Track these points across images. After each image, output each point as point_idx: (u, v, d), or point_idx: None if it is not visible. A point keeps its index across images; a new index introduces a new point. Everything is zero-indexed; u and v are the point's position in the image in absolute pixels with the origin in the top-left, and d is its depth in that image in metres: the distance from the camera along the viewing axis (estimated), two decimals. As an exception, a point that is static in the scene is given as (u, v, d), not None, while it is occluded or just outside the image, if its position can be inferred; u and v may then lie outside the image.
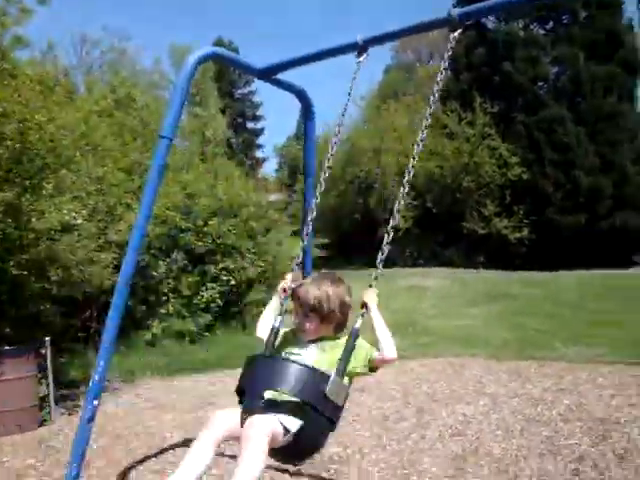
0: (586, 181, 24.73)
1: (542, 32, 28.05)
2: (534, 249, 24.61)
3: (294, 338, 2.46)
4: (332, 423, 2.22)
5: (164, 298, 9.24)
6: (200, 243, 9.65)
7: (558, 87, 26.30)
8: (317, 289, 2.35)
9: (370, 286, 2.41)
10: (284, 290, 2.60)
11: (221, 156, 16.84)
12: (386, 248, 2.43)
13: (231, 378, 7.11)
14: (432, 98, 2.63)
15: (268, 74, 3.46)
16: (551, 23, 28.36)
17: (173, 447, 4.77)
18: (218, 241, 9.82)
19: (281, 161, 53.56)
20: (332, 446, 4.61)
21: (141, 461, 4.51)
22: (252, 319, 10.38)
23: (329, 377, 2.14)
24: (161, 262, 9.25)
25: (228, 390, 6.47)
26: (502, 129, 25.46)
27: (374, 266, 2.50)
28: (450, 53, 2.67)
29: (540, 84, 27.10)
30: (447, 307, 13.20)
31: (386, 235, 2.45)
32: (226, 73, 40.11)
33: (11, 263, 5.55)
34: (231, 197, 10.52)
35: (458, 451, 4.43)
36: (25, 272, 5.74)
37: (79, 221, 6.64)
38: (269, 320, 2.55)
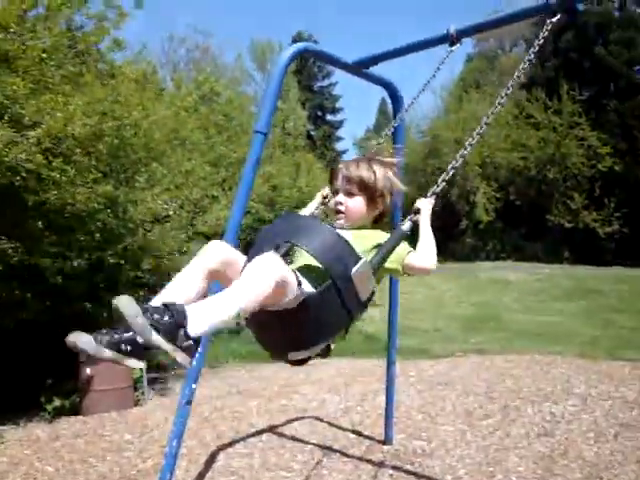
0: (685, 172, 23.18)
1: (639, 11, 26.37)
2: (625, 244, 23.33)
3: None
4: (347, 314, 1.72)
5: (248, 288, 9.50)
6: (283, 234, 9.85)
7: (655, 71, 24.72)
8: (369, 166, 2.07)
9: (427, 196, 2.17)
10: (323, 197, 2.43)
11: (302, 148, 17.03)
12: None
13: (314, 368, 7.29)
14: (506, 89, 2.40)
15: (358, 68, 3.48)
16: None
17: (260, 432, 4.92)
18: (300, 233, 9.98)
19: (361, 153, 53.43)
20: (416, 439, 4.62)
21: (229, 444, 4.69)
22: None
23: (360, 259, 1.69)
24: (245, 253, 9.51)
25: (312, 380, 6.64)
26: (592, 117, 24.24)
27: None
28: (541, 42, 2.53)
29: (636, 68, 25.50)
30: (531, 302, 12.78)
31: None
32: (306, 66, 40.35)
33: (109, 252, 5.87)
34: (313, 189, 10.64)
35: (546, 452, 4.30)
36: (122, 261, 6.07)
37: (170, 212, 6.94)
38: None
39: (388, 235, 1.97)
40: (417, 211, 2.11)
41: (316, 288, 1.67)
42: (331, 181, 2.16)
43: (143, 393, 6.25)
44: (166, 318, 1.32)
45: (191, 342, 1.34)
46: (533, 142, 24.41)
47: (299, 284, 1.63)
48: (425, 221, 2.13)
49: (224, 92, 16.22)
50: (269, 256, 1.55)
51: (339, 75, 46.28)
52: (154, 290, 7.20)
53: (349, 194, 2.06)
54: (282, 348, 1.87)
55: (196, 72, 19.25)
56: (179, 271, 1.55)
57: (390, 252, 1.86)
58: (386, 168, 2.11)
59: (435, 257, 2.05)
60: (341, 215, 2.07)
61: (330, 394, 6.01)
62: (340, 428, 4.97)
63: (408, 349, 8.06)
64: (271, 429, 5.00)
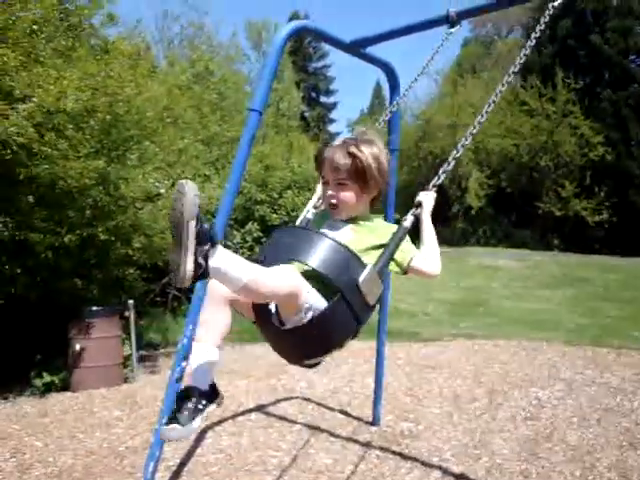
0: (676, 163, 23.31)
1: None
2: (614, 233, 23.50)
3: (322, 220, 2.02)
4: (357, 324, 1.74)
5: (239, 268, 9.49)
6: (275, 215, 9.83)
7: (651, 61, 24.72)
8: (357, 149, 1.88)
9: (428, 189, 2.14)
10: (318, 199, 2.24)
11: (295, 129, 16.93)
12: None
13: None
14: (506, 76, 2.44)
15: (356, 48, 3.45)
16: (646, -9, 26.49)
17: (249, 412, 4.95)
18: (292, 214, 9.97)
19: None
20: (403, 421, 4.67)
21: (218, 423, 4.71)
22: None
23: (365, 265, 1.69)
24: (236, 232, 9.49)
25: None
26: (585, 106, 24.24)
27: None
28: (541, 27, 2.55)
29: (632, 57, 25.46)
30: (519, 289, 12.87)
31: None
32: (301, 47, 39.98)
33: (100, 229, 5.82)
34: (306, 170, 10.61)
35: (531, 435, 4.36)
36: (112, 238, 6.03)
37: (162, 191, 6.88)
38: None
39: (388, 225, 1.98)
40: (419, 204, 2.08)
41: (326, 297, 1.71)
42: (318, 169, 2.01)
43: (132, 370, 6.26)
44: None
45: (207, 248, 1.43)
46: (526, 129, 24.40)
47: (307, 305, 1.70)
48: (427, 216, 2.08)
49: (218, 70, 16.06)
50: (291, 269, 1.65)
51: (334, 56, 45.91)
52: (144, 267, 7.16)
53: (340, 185, 1.91)
54: (297, 358, 1.97)
55: (190, 50, 19.01)
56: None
57: (394, 253, 1.84)
58: (373, 148, 1.92)
59: (439, 260, 2.00)
60: (334, 210, 1.95)
61: (318, 375, 6.04)
62: (328, 408, 5.01)
63: (397, 332, 8.10)
64: (259, 409, 5.03)
